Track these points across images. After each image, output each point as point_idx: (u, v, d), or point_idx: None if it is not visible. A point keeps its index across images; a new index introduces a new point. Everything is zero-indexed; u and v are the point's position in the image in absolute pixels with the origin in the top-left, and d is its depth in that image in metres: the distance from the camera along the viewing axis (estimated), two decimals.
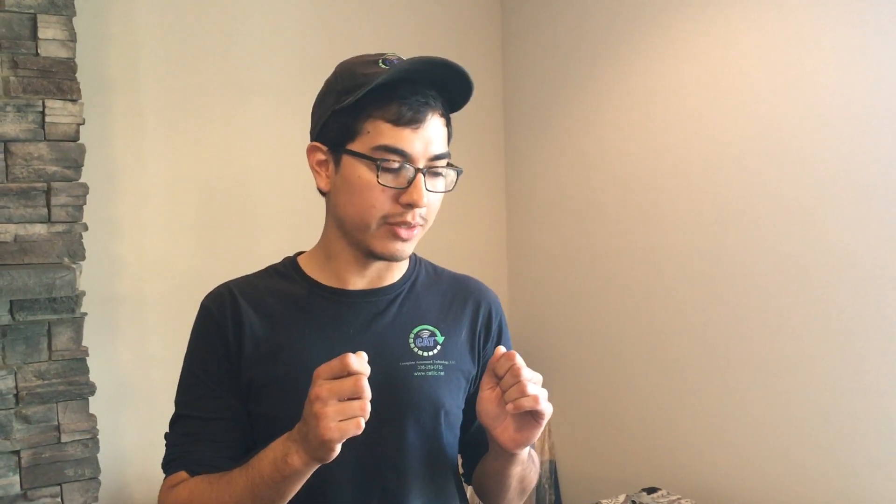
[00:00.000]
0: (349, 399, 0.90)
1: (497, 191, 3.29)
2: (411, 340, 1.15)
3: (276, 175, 2.72)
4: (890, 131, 2.00)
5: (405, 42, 3.00)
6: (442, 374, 1.15)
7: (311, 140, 1.14)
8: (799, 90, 2.19)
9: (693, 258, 2.50)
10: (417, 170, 1.06)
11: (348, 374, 0.91)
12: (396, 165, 1.06)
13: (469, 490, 1.30)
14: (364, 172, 1.06)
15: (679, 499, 2.42)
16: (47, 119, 2.12)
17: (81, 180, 2.18)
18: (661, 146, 2.59)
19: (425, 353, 1.15)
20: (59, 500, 2.16)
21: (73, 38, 2.15)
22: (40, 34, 2.10)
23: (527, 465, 1.16)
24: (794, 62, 2.20)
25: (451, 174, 1.13)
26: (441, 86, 1.10)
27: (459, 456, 1.26)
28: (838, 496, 2.13)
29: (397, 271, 1.19)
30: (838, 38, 2.09)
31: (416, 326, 1.17)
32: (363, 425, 0.90)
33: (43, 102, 2.11)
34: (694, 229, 2.49)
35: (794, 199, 2.21)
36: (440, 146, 1.09)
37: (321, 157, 1.12)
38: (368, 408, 0.90)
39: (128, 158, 2.51)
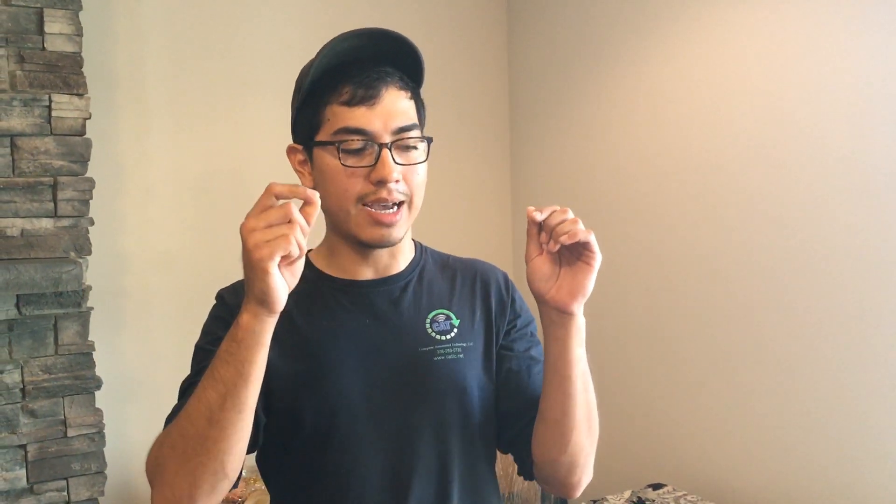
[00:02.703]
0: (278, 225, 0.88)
1: (503, 187, 3.28)
2: (428, 325, 1.15)
3: (282, 171, 2.70)
4: None
5: (410, 38, 2.99)
6: (461, 356, 1.15)
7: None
8: (806, 85, 2.17)
9: (699, 254, 2.49)
10: (381, 145, 1.05)
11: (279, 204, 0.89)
12: (358, 145, 1.05)
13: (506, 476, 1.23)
14: (330, 159, 1.07)
15: (685, 495, 2.42)
16: (53, 113, 2.12)
17: (87, 175, 2.18)
18: (667, 142, 2.58)
19: (443, 337, 1.15)
20: (65, 494, 2.17)
21: (79, 33, 2.15)
22: (47, 28, 2.10)
23: (586, 367, 1.09)
24: (802, 56, 2.18)
25: (423, 145, 1.11)
26: (394, 61, 1.10)
27: (502, 439, 1.21)
28: (844, 491, 2.13)
29: (402, 259, 1.19)
30: (848, 31, 2.08)
31: (432, 311, 1.17)
32: (294, 244, 0.87)
33: (49, 97, 2.11)
34: (699, 226, 2.48)
35: (800, 195, 2.20)
36: (404, 119, 1.07)
37: (300, 156, 1.14)
38: (299, 233, 0.88)
39: (134, 153, 2.51)
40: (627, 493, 2.47)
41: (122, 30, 2.48)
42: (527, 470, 1.20)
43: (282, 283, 0.89)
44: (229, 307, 1.12)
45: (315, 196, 0.90)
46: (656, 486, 2.50)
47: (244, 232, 0.89)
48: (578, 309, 1.04)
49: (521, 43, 3.19)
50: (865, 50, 2.04)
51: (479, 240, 3.17)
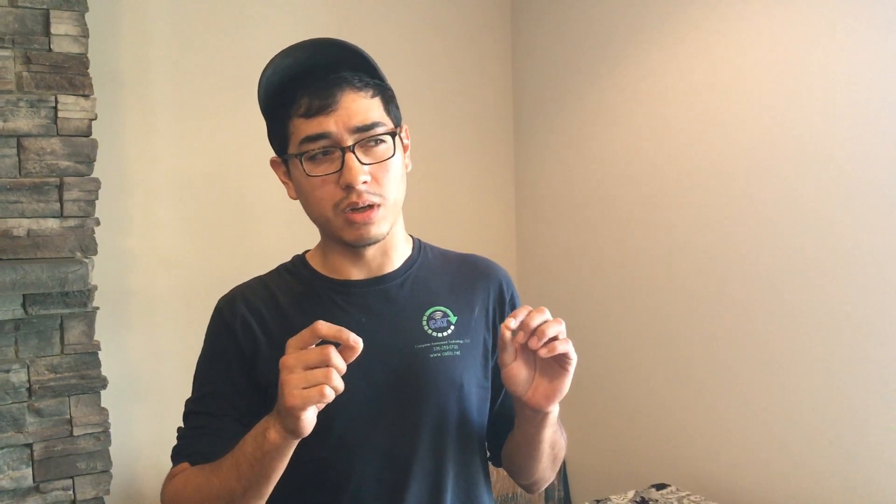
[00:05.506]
0: (315, 368, 0.88)
1: (507, 188, 3.29)
2: (424, 322, 1.15)
3: None
4: None
5: (415, 41, 3.00)
6: (458, 353, 1.15)
7: None
8: (809, 87, 2.17)
9: (701, 255, 2.49)
10: (343, 150, 1.05)
11: (319, 343, 0.90)
12: (317, 151, 1.06)
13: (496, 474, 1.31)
14: (300, 171, 1.08)
15: (688, 495, 2.42)
16: (60, 114, 2.13)
17: (93, 175, 2.19)
18: (670, 143, 2.58)
19: (439, 334, 1.15)
20: (70, 493, 2.18)
21: (85, 34, 2.16)
22: (53, 30, 2.11)
23: (557, 428, 1.16)
24: (805, 58, 2.18)
25: (389, 140, 1.09)
26: (351, 64, 1.09)
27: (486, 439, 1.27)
28: (845, 491, 2.13)
29: (396, 258, 1.19)
30: (850, 34, 2.08)
31: (428, 308, 1.17)
32: (329, 394, 0.88)
33: (55, 98, 2.12)
34: (702, 227, 2.49)
35: (803, 197, 2.20)
36: (362, 118, 1.06)
37: (283, 168, 1.15)
38: (336, 378, 0.88)
39: (139, 154, 2.52)
40: (631, 493, 2.47)
41: (127, 31, 2.49)
42: (495, 460, 1.29)
43: (311, 419, 0.91)
44: (227, 324, 1.14)
45: (358, 342, 0.90)
46: (660, 487, 2.50)
47: (282, 369, 0.90)
48: (554, 408, 1.08)
49: (524, 44, 3.20)
50: (867, 54, 2.04)
51: (483, 239, 3.17)
